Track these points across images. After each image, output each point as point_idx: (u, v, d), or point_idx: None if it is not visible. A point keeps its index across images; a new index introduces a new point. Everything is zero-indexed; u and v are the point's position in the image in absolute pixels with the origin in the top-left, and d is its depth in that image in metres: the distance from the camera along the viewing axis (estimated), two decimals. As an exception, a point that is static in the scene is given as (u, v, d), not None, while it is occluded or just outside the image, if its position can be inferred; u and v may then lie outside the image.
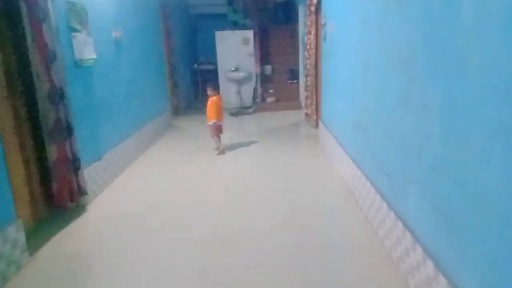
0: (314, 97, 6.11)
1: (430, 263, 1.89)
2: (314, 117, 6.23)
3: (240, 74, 8.34)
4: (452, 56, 1.65)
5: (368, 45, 2.94)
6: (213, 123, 5.05)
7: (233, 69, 8.41)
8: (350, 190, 3.60)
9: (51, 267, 2.62)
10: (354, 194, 3.47)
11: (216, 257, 2.66)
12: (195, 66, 9.49)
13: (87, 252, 2.83)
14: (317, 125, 6.28)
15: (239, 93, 8.47)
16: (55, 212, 3.33)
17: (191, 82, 9.35)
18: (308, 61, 6.07)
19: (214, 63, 9.23)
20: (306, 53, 6.11)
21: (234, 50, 8.41)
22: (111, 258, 2.71)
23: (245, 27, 8.96)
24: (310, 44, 5.94)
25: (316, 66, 5.99)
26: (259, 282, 2.36)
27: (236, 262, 2.59)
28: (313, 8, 5.72)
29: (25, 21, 2.91)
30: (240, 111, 8.07)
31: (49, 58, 3.01)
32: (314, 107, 6.18)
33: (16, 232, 2.55)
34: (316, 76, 6.03)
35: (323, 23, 4.90)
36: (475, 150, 1.50)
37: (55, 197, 3.25)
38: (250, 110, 8.11)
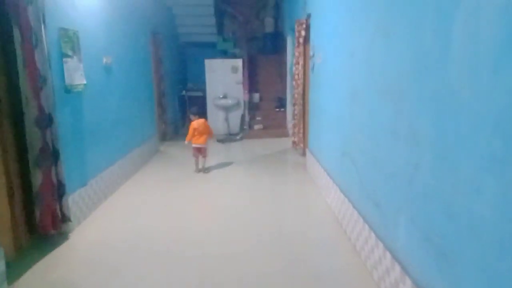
0: (302, 125, 6.19)
1: (420, 295, 1.89)
2: (301, 145, 6.29)
3: (229, 102, 8.41)
4: (442, 89, 1.71)
5: (356, 77, 3.02)
6: (187, 143, 5.45)
7: (221, 96, 8.49)
8: (338, 219, 3.61)
9: (31, 298, 2.54)
10: (341, 224, 3.47)
11: (204, 286, 2.61)
12: (184, 92, 9.55)
13: (69, 281, 2.73)
14: (304, 153, 6.33)
15: (226, 120, 8.51)
16: (36, 240, 3.24)
17: (179, 108, 9.38)
18: (296, 91, 6.18)
19: (202, 90, 9.32)
20: (294, 82, 6.22)
21: (223, 77, 8.51)
22: (94, 287, 2.63)
23: (234, 56, 9.12)
24: (298, 74, 6.07)
25: (304, 95, 6.10)
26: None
27: (224, 293, 2.54)
28: (301, 40, 5.87)
29: (17, 46, 2.92)
30: (227, 137, 8.09)
31: (39, 83, 3.00)
32: (301, 135, 6.24)
33: (-3, 261, 2.46)
34: (304, 105, 6.13)
35: (311, 54, 5.03)
36: (466, 182, 1.53)
37: (38, 224, 3.17)
38: (238, 137, 8.15)
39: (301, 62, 6.00)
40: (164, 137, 7.71)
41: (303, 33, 5.80)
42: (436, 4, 1.77)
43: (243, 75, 8.56)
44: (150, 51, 6.76)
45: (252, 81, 9.02)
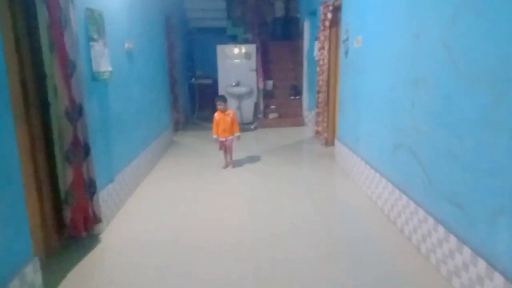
0: (326, 114, 5.89)
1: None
2: (325, 134, 6.00)
3: (242, 89, 8.06)
4: None
5: (423, 61, 2.72)
6: (215, 137, 5.10)
7: (234, 84, 8.14)
8: (389, 218, 3.34)
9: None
10: (396, 223, 3.21)
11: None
12: (193, 80, 9.21)
13: (112, 291, 2.47)
14: (327, 143, 6.06)
15: (239, 108, 8.17)
16: (66, 242, 2.96)
17: (189, 97, 9.04)
18: (320, 77, 5.87)
19: (212, 77, 8.96)
20: (318, 68, 5.90)
21: (236, 64, 8.16)
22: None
23: (246, 42, 8.72)
24: (323, 59, 5.75)
25: (329, 82, 5.79)
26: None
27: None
28: (327, 23, 5.54)
29: (44, 28, 2.59)
30: (241, 127, 7.77)
31: (69, 70, 2.68)
32: (325, 124, 5.95)
33: (33, 273, 2.18)
34: (328, 92, 5.83)
35: (345, 37, 4.71)
36: None
37: (68, 226, 2.88)
38: (252, 126, 7.85)
39: (326, 46, 5.67)
40: (176, 127, 7.40)
41: (329, 15, 5.47)
42: None
43: (257, 62, 8.20)
44: (164, 36, 6.39)
45: (265, 68, 8.67)
